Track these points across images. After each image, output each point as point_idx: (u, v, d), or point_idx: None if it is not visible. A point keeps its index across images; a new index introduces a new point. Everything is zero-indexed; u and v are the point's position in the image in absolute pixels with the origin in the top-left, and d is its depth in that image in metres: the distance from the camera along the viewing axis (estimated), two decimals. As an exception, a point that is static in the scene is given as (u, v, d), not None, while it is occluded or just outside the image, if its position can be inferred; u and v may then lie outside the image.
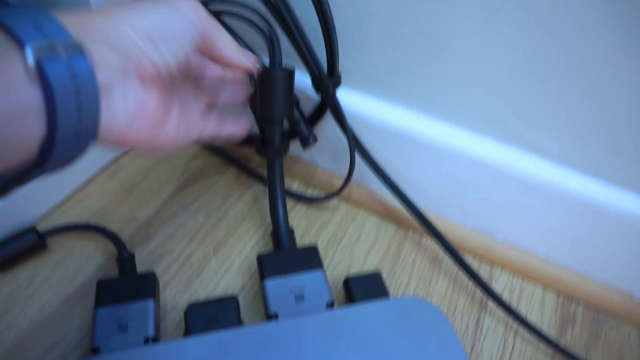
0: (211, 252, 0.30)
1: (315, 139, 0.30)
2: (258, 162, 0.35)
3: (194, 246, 0.30)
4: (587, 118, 0.24)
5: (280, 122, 0.28)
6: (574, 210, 0.27)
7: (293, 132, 0.30)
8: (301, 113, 0.30)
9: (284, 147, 0.29)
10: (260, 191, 0.34)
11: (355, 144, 0.30)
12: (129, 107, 0.18)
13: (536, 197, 0.28)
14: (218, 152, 0.36)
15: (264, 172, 0.35)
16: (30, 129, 0.15)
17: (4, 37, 0.14)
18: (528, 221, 0.29)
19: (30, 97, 0.14)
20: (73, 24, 0.16)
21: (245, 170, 0.35)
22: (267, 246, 0.30)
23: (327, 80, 0.27)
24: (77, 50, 0.15)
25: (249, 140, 0.32)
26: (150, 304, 0.25)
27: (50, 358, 0.25)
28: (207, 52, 0.21)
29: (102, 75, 0.16)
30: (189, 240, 0.30)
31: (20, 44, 0.14)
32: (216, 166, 0.35)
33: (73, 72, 0.15)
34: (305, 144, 0.30)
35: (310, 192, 0.34)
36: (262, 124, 0.29)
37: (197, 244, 0.30)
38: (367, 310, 0.25)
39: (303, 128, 0.30)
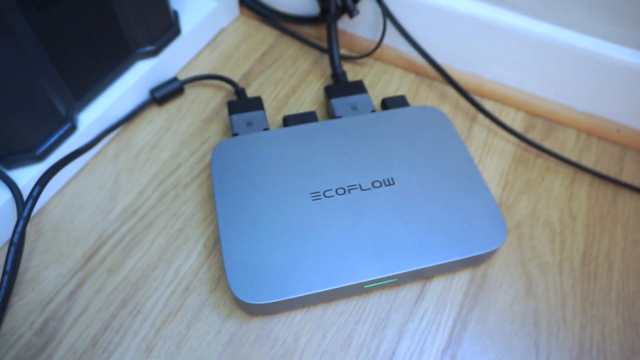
0: (291, 92, 0.44)
1: (357, 12, 0.43)
2: (314, 37, 0.49)
3: (278, 89, 0.45)
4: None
5: (335, -3, 0.41)
6: (540, 50, 0.40)
7: (343, 9, 0.44)
8: (348, -8, 0.43)
9: (337, 15, 0.43)
10: (319, 56, 0.48)
11: (387, 14, 0.43)
12: None
13: (513, 43, 0.41)
14: (284, 31, 0.49)
15: (320, 43, 0.48)
16: None
17: None
18: (508, 62, 0.43)
19: None
20: None
21: (307, 42, 0.48)
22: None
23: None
24: None
25: (309, 20, 0.46)
26: (262, 112, 0.40)
27: (203, 149, 0.40)
28: None
29: None
30: (275, 86, 0.45)
31: None
32: (284, 41, 0.49)
33: None
34: (351, 15, 0.43)
35: (353, 55, 0.48)
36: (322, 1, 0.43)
37: (280, 88, 0.45)
38: (396, 113, 0.39)
39: (349, 3, 0.43)
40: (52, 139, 0.35)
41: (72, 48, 0.35)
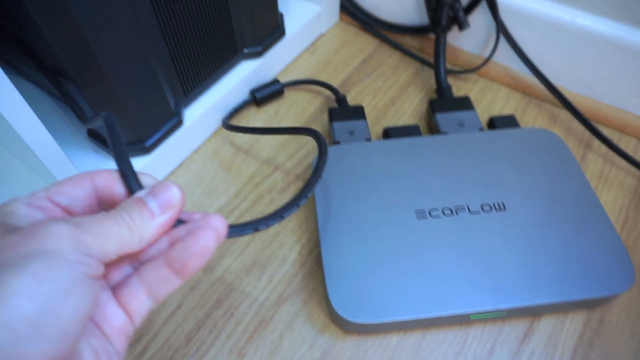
0: (390, 103, 0.43)
1: (468, 24, 0.41)
2: (416, 48, 0.47)
3: (377, 99, 0.43)
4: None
5: (447, 7, 0.40)
6: (669, 73, 0.36)
7: (452, 20, 0.42)
8: (459, 2, 0.41)
9: (448, 27, 0.41)
10: (419, 68, 0.46)
11: (502, 29, 0.41)
12: None
13: (637, 65, 0.37)
14: (384, 40, 0.48)
15: (421, 55, 0.47)
16: None
17: None
18: (629, 86, 0.39)
19: None
20: None
21: (407, 53, 0.47)
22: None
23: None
24: None
25: (411, 30, 0.45)
26: (365, 122, 0.39)
27: (299, 155, 0.40)
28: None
29: None
30: (373, 96, 0.44)
31: None
32: (384, 50, 0.48)
33: None
34: (461, 27, 0.41)
35: (456, 69, 0.46)
36: (432, 9, 0.41)
37: (379, 98, 0.44)
38: (507, 133, 0.37)
39: (461, 15, 0.41)
40: (161, 132, 0.36)
41: (188, 43, 0.35)
